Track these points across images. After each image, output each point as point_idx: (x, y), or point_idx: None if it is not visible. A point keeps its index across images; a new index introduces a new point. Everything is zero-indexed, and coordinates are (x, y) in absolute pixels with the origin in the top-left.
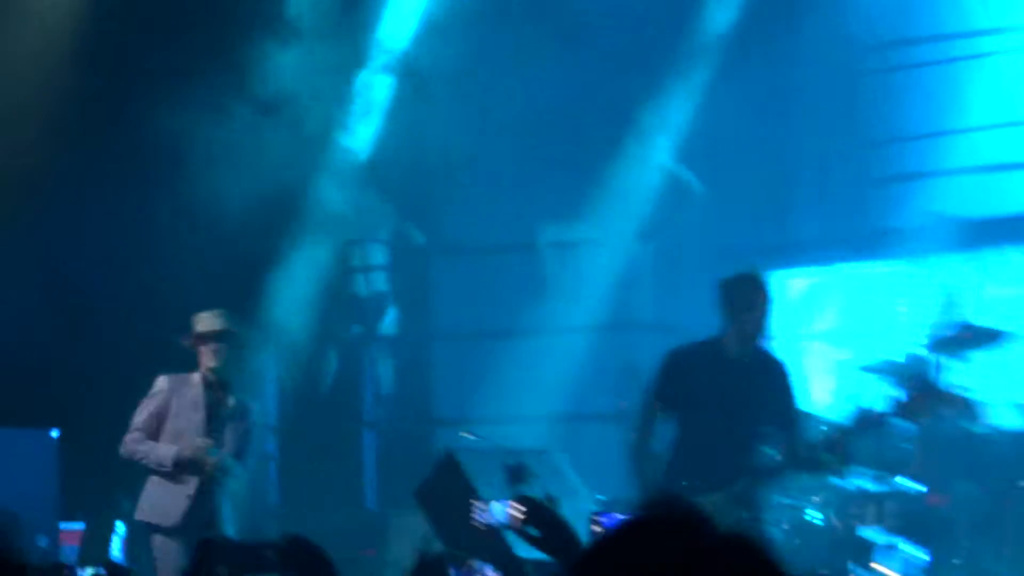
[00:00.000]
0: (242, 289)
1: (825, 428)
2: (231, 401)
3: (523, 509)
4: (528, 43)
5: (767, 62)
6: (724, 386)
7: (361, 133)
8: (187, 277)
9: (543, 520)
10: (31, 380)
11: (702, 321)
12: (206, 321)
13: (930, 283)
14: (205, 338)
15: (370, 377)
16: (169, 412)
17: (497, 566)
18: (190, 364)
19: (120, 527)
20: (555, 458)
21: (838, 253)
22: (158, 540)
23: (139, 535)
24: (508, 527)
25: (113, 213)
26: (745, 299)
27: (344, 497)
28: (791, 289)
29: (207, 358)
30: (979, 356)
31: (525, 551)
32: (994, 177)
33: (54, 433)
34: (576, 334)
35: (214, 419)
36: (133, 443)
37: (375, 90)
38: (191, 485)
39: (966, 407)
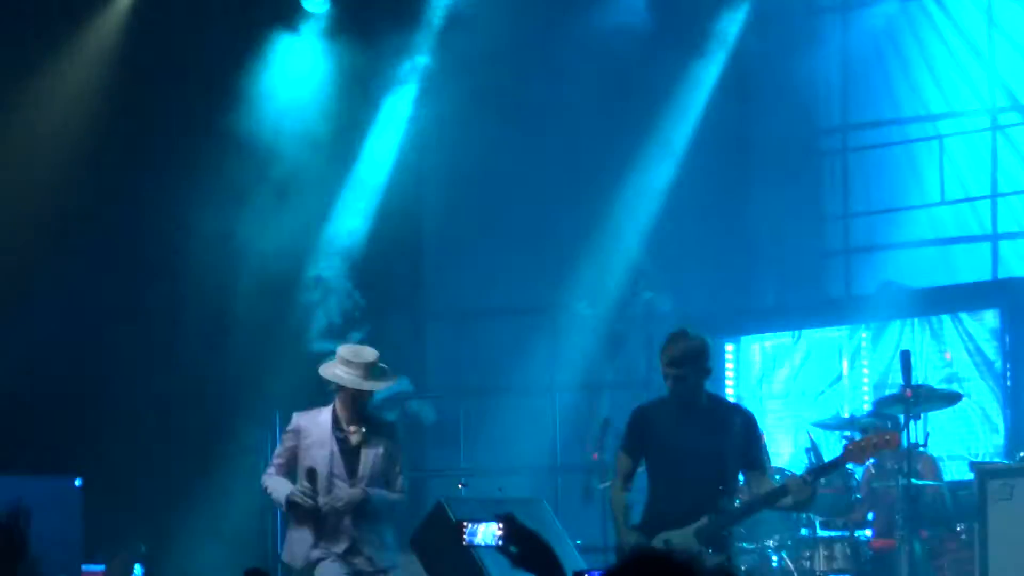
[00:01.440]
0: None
1: (780, 477)
2: (361, 430)
3: (503, 527)
4: (507, 134)
5: (729, 142)
6: (685, 434)
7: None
8: (204, 333)
9: (522, 538)
10: (57, 432)
11: None
12: (348, 352)
13: (882, 347)
14: (347, 363)
15: None
16: (299, 449)
17: None
18: (202, 421)
19: (138, 569)
20: (540, 507)
21: (795, 320)
22: None
23: None
24: (492, 546)
25: (135, 267)
26: (664, 354)
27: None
28: (752, 353)
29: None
30: (927, 414)
31: None
32: (941, 250)
33: (78, 482)
34: (557, 392)
35: (344, 452)
36: (266, 477)
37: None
38: (310, 527)
39: (910, 456)
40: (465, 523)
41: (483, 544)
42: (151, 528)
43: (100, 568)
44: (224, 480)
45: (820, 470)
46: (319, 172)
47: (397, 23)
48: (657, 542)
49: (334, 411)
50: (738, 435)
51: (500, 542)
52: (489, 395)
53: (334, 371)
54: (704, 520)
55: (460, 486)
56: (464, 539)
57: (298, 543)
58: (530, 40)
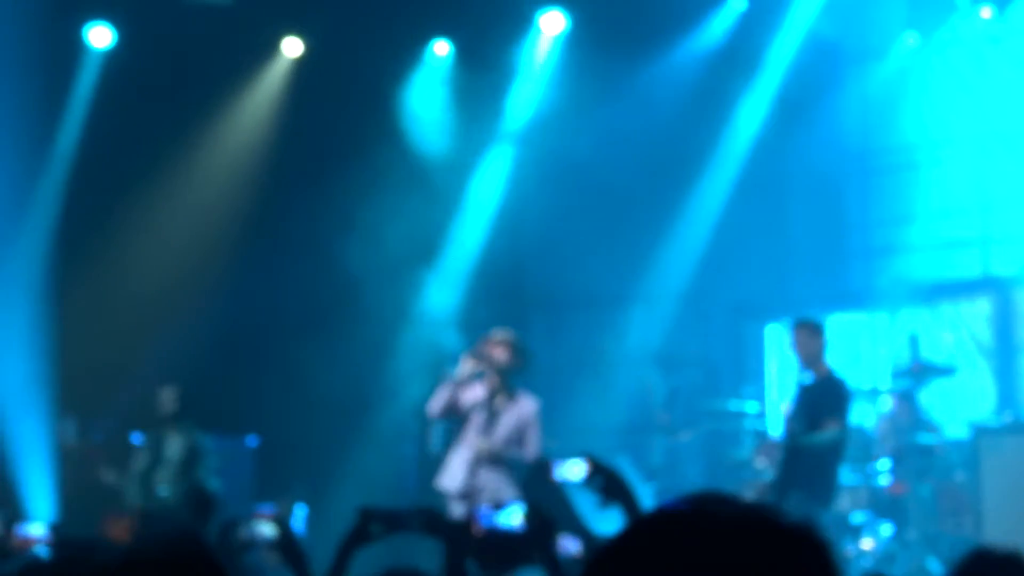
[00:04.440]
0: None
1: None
2: (503, 400)
3: (589, 465)
4: (604, 152)
5: (772, 159)
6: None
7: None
8: (353, 320)
9: (603, 472)
10: (235, 399)
11: (727, 357)
12: (502, 332)
13: (896, 330)
14: (502, 344)
15: None
16: (459, 402)
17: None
18: (352, 391)
19: (300, 509)
20: (621, 461)
21: (827, 306)
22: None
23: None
24: (578, 483)
25: (308, 265)
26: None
27: None
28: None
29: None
30: (933, 386)
31: (603, 528)
32: (943, 251)
33: (251, 441)
34: (635, 367)
35: (491, 414)
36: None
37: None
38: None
39: (919, 421)
40: (553, 461)
41: (571, 480)
42: (311, 479)
43: (270, 508)
44: (370, 438)
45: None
46: (446, 187)
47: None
48: None
49: None
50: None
51: (585, 477)
52: (583, 369)
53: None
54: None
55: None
56: (552, 475)
57: None
58: (619, 67)
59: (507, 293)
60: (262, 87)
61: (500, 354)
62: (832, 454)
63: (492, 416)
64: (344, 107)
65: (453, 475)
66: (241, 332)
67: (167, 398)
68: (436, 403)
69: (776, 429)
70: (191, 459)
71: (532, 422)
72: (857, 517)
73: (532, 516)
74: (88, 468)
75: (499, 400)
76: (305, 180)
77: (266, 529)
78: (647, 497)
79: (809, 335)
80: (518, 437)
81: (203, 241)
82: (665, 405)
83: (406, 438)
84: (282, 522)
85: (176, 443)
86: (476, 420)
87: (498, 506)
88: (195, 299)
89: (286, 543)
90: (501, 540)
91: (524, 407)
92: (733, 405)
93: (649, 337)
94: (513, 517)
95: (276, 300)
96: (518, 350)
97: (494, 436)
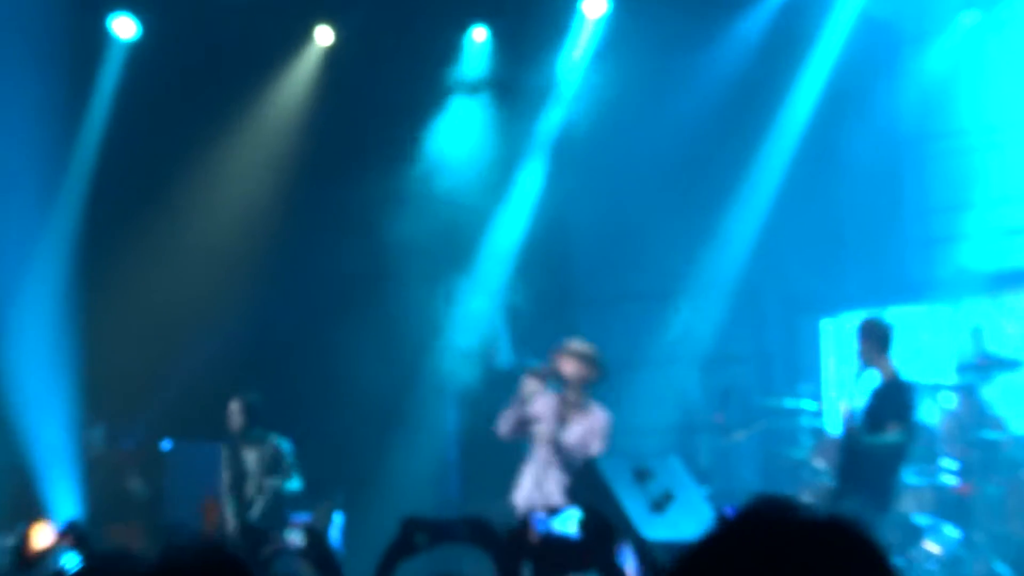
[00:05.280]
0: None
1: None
2: (574, 412)
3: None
4: (650, 144)
5: (827, 145)
6: None
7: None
8: (385, 317)
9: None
10: (270, 402)
11: (781, 353)
12: (580, 346)
13: (958, 322)
14: (575, 357)
15: None
16: (526, 419)
17: (635, 548)
18: (387, 393)
19: (337, 517)
20: (673, 462)
21: (884, 298)
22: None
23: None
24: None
25: (339, 272)
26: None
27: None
28: (846, 328)
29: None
30: (998, 380)
31: (653, 534)
32: (1005, 238)
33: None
34: (684, 364)
35: (560, 425)
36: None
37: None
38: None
39: (984, 417)
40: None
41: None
42: (348, 484)
43: (306, 517)
44: (411, 443)
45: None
46: (487, 178)
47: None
48: None
49: None
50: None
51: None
52: (628, 368)
53: None
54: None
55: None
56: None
57: None
58: (663, 52)
59: (552, 290)
60: (293, 78)
61: (570, 368)
62: (894, 458)
63: (561, 426)
64: (378, 98)
65: (524, 491)
66: (275, 334)
67: (234, 411)
68: (504, 424)
69: (834, 427)
70: (271, 467)
71: (599, 433)
72: (921, 519)
73: (589, 522)
74: (117, 476)
75: (569, 412)
76: (337, 175)
77: (296, 538)
78: (701, 500)
79: (874, 335)
80: (585, 449)
81: (234, 240)
82: (719, 403)
83: (448, 443)
84: (313, 531)
85: (252, 455)
86: (544, 433)
87: (553, 511)
88: (228, 301)
89: (316, 552)
90: (557, 547)
91: (595, 419)
92: (789, 403)
93: (699, 333)
94: (569, 523)
95: (311, 301)
96: (590, 362)
97: (562, 446)
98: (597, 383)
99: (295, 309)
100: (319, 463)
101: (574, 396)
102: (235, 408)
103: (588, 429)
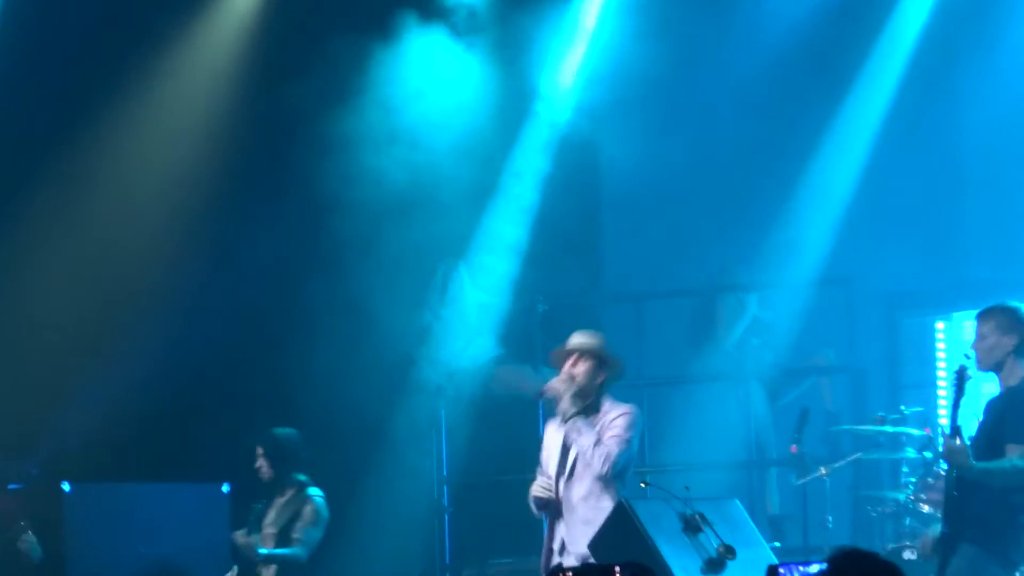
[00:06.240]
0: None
1: None
2: (580, 418)
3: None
4: (695, 104)
5: (936, 96)
6: None
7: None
8: (350, 343)
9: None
10: (203, 439)
11: (879, 363)
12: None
13: None
14: (578, 357)
15: (542, 428)
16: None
17: None
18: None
19: None
20: (732, 506)
21: (1014, 293)
22: None
23: None
24: None
25: (277, 273)
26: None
27: (520, 545)
28: (966, 331)
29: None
30: None
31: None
32: None
33: (225, 488)
34: (752, 380)
35: (565, 446)
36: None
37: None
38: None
39: None
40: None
41: None
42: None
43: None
44: (383, 488)
45: None
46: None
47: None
48: None
49: None
50: None
51: None
52: (674, 384)
53: None
54: None
55: (643, 485)
56: None
57: None
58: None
59: (575, 285)
60: (215, 31)
61: (577, 369)
62: (1017, 504)
63: (564, 453)
64: (325, 52)
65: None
66: (206, 354)
67: (259, 458)
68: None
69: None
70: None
71: (622, 425)
72: None
73: None
74: (2, 527)
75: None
76: (286, 134)
77: None
78: (769, 557)
79: (998, 328)
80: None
81: (156, 229)
82: (795, 430)
83: (438, 489)
84: None
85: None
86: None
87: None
88: (142, 311)
89: None
90: None
91: (611, 414)
92: (888, 429)
93: (769, 339)
94: None
95: (259, 300)
96: (601, 359)
97: (572, 479)
98: (609, 384)
99: (238, 311)
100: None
101: (591, 403)
102: (259, 454)
103: (604, 425)
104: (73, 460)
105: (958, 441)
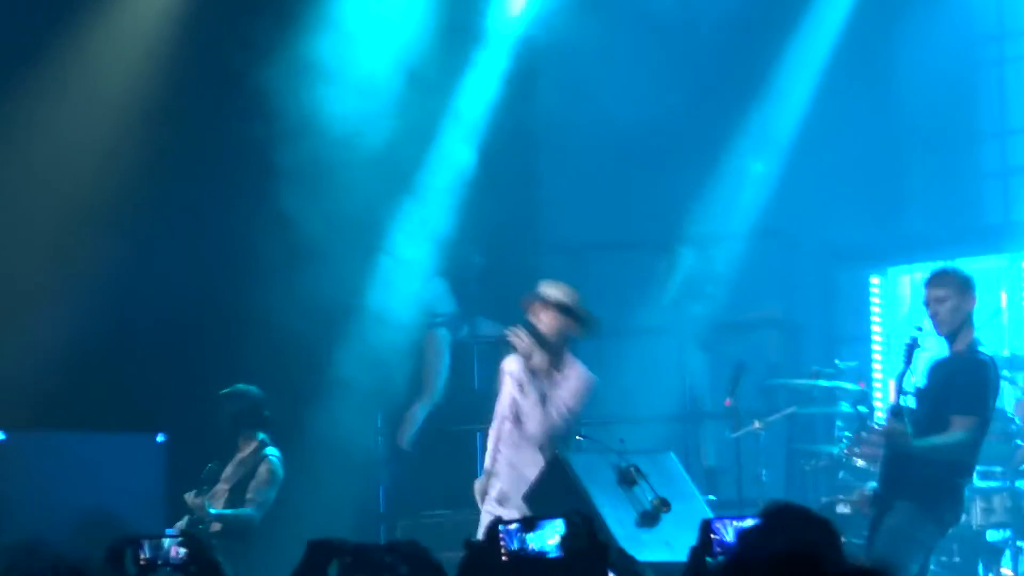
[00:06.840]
0: (350, 287)
1: None
2: (552, 377)
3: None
4: (638, 51)
5: (876, 49)
6: None
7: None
8: (289, 289)
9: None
10: (139, 388)
11: (815, 317)
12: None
13: None
14: (551, 306)
15: (479, 379)
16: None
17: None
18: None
19: None
20: (667, 459)
21: (948, 248)
22: None
23: None
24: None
25: (210, 223)
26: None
27: (454, 497)
28: (901, 286)
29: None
30: None
31: (640, 554)
32: None
33: (160, 438)
34: (687, 333)
35: (534, 387)
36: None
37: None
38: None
39: None
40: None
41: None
42: None
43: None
44: (319, 443)
45: None
46: (416, 104)
47: None
48: None
49: None
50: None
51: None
52: (609, 337)
53: None
54: None
55: (578, 437)
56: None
57: None
58: None
59: (513, 236)
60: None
61: (547, 320)
62: (956, 467)
63: (544, 403)
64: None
65: (496, 490)
66: (145, 303)
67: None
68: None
69: (884, 415)
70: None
71: (573, 396)
72: (995, 535)
73: (577, 537)
74: None
75: (550, 374)
76: (218, 87)
77: (176, 548)
78: (704, 510)
79: (958, 291)
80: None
81: (87, 179)
82: (729, 384)
83: (373, 443)
84: (194, 540)
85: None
86: (524, 408)
87: (530, 523)
88: (77, 258)
89: (201, 565)
90: (533, 568)
91: (577, 378)
92: (822, 383)
93: (706, 293)
94: (549, 538)
95: (190, 254)
96: (569, 311)
97: (550, 418)
98: (578, 338)
99: (175, 258)
100: (200, 454)
101: (552, 355)
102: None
103: (572, 392)
104: (7, 408)
105: (899, 424)
